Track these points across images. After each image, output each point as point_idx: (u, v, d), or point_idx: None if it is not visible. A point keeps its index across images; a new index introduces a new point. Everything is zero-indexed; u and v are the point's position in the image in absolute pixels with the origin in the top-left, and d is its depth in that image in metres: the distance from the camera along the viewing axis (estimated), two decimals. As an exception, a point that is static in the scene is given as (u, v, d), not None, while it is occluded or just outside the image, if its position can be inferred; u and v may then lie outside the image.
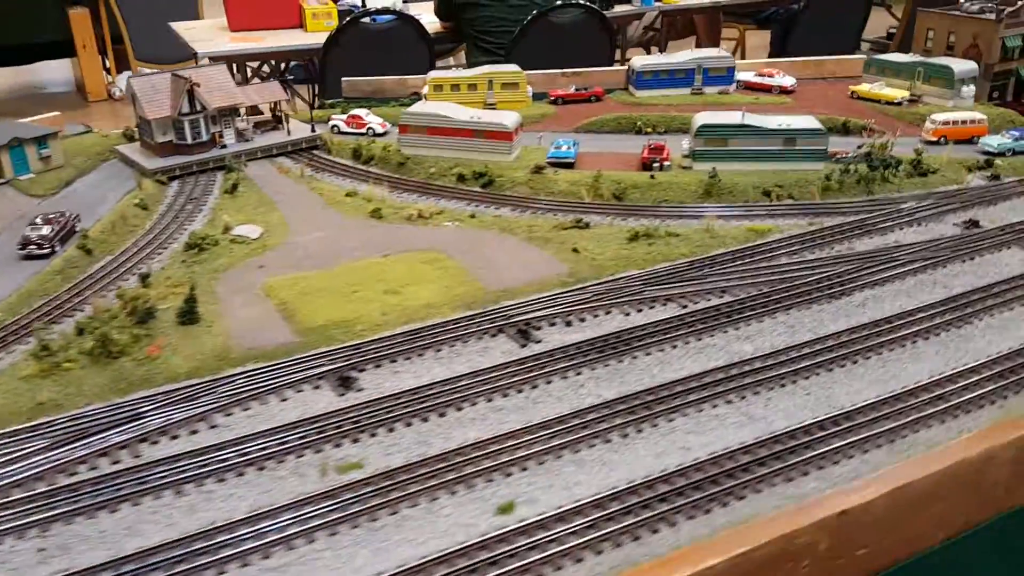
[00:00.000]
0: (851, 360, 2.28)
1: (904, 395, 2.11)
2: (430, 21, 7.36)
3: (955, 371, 2.20)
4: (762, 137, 3.52)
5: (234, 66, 7.38)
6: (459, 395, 2.10)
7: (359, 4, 7.79)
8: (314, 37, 6.99)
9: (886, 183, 3.47)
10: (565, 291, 2.65)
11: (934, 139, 3.96)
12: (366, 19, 7.12)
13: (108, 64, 10.97)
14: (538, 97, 4.71)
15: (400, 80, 4.76)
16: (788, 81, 4.71)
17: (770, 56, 9.03)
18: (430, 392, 2.11)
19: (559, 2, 7.27)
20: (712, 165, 3.51)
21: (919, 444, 1.93)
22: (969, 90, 4.30)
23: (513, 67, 4.63)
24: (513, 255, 2.93)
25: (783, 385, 2.18)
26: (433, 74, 4.58)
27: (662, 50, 9.43)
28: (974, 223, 3.09)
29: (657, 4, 8.55)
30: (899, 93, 4.40)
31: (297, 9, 7.61)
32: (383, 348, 2.31)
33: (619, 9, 8.46)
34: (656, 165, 3.63)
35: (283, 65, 8.70)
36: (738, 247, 2.95)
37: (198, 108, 3.66)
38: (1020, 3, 4.46)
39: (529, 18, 7.08)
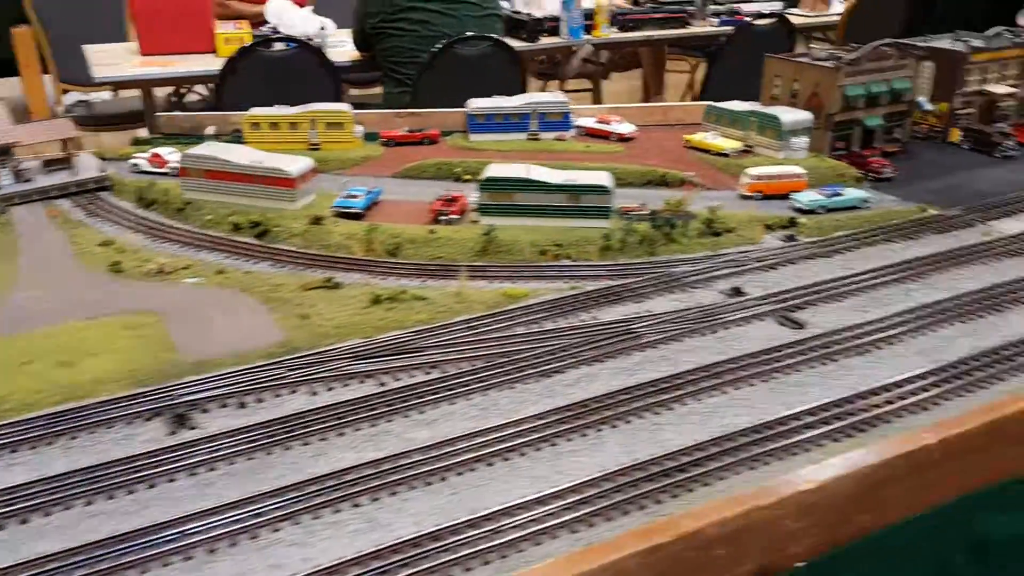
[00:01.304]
0: (521, 452, 2.10)
1: (550, 497, 1.92)
2: (352, 50, 7.18)
3: (620, 467, 2.02)
4: (546, 192, 3.35)
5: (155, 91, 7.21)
6: (42, 501, 1.88)
7: (282, 31, 7.64)
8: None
9: (672, 243, 3.31)
10: (263, 365, 2.45)
11: (749, 194, 3.82)
12: (278, 44, 6.97)
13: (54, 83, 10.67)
14: (372, 137, 4.55)
15: (223, 116, 4.58)
16: (627, 128, 4.58)
17: (701, 91, 8.93)
18: (12, 496, 1.89)
19: (469, 34, 7.14)
20: (497, 220, 3.37)
21: (534, 559, 1.74)
22: (800, 141, 4.17)
23: (341, 106, 4.47)
24: (235, 320, 2.73)
25: (430, 483, 1.99)
26: (253, 111, 4.41)
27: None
28: (737, 291, 2.93)
29: (587, 37, 8.44)
30: (730, 144, 4.27)
31: (210, 33, 7.45)
32: (10, 434, 2.09)
33: (545, 41, 8.35)
34: (443, 218, 3.46)
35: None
36: (481, 314, 2.77)
37: (-40, 149, 3.47)
38: (860, 52, 4.34)
39: (434, 50, 6.96)
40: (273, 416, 2.21)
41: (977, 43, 4.85)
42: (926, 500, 1.97)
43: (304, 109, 4.36)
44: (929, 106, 4.69)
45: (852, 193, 3.69)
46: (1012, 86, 4.96)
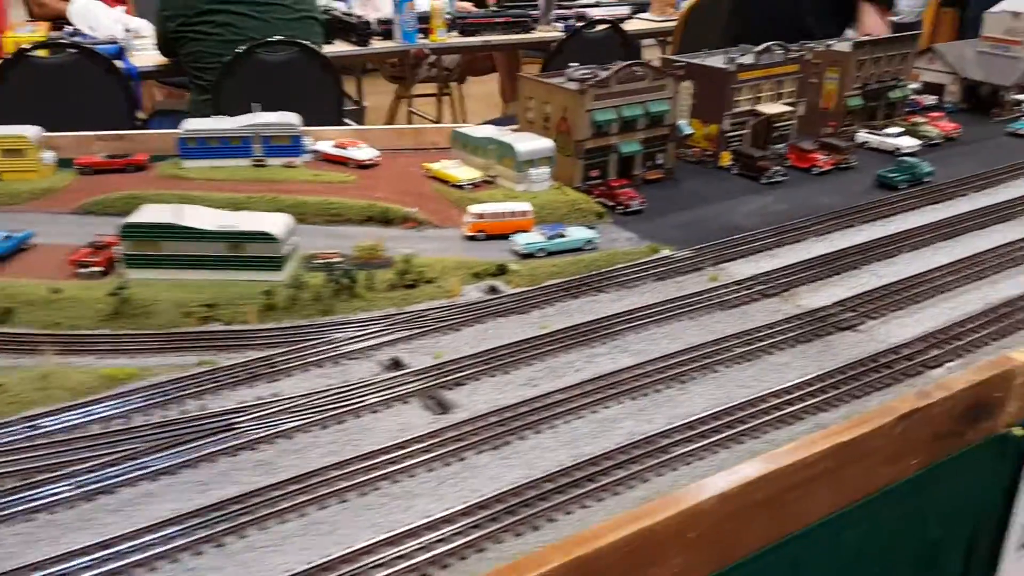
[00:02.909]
0: (-18, 630, 1.58)
1: None
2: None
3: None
4: (200, 241, 2.84)
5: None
6: None
7: (88, 33, 6.95)
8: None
9: (355, 299, 2.86)
10: None
11: (472, 234, 3.42)
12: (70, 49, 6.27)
13: None
14: (68, 164, 3.92)
15: None
16: (368, 154, 4.11)
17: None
18: None
19: (277, 38, 6.58)
20: (148, 274, 2.84)
21: None
22: (541, 173, 3.80)
23: (23, 129, 3.80)
24: None
25: None
26: (-87, 137, 3.72)
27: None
28: (397, 363, 2.50)
29: (423, 41, 8.03)
30: (469, 174, 3.87)
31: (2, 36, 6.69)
32: None
33: (378, 45, 7.91)
34: (84, 271, 2.90)
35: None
36: (57, 407, 2.22)
37: None
38: (608, 72, 4.02)
39: (233, 55, 6.37)
40: None
41: (746, 60, 4.63)
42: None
43: (-30, 134, 3.69)
44: (689, 130, 4.44)
45: (576, 233, 3.34)
46: (788, 104, 4.79)
